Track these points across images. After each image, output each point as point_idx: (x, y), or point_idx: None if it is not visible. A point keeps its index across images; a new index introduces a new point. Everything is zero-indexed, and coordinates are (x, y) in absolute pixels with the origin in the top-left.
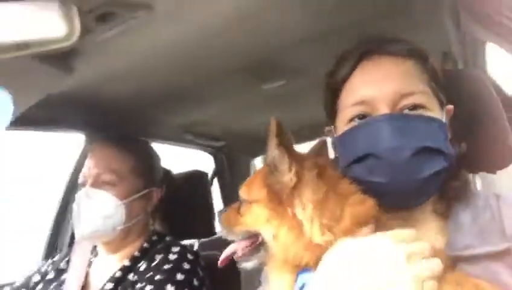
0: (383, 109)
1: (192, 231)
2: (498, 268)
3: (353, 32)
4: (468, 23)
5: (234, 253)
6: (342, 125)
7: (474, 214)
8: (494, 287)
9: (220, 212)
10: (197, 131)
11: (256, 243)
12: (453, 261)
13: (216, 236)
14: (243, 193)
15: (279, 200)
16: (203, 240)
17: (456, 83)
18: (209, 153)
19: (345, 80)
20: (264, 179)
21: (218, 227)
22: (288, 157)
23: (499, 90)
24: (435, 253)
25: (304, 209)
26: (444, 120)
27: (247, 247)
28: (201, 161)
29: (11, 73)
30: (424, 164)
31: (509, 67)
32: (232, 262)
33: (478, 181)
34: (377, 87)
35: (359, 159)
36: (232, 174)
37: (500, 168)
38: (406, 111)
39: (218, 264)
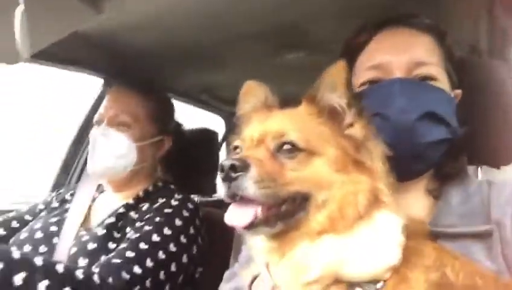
0: (397, 75)
1: (195, 186)
2: (475, 248)
3: (382, 14)
4: (500, 15)
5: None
6: (354, 89)
7: (465, 197)
8: (467, 259)
9: (231, 164)
10: (213, 93)
11: (282, 208)
12: (435, 237)
13: (215, 197)
14: (298, 139)
15: (352, 153)
16: (201, 199)
17: (477, 72)
18: (222, 117)
19: (363, 45)
20: (328, 126)
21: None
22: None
23: None
24: (415, 223)
25: (377, 163)
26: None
27: (270, 210)
28: (214, 125)
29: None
30: (428, 129)
31: None
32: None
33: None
34: (393, 53)
35: None
36: None
37: (504, 163)
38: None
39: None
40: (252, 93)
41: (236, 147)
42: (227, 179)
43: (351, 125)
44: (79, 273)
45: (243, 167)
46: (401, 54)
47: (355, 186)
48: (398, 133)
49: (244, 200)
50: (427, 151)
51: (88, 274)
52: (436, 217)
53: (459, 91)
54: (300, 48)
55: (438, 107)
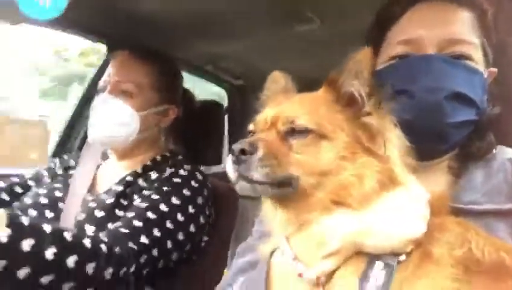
0: (429, 51)
1: (200, 156)
2: (498, 226)
3: None
4: None
5: None
6: (381, 63)
7: (488, 175)
8: (493, 237)
9: (241, 149)
10: (219, 64)
11: None
12: (456, 214)
13: (221, 168)
14: (308, 121)
15: (364, 142)
16: (207, 170)
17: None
18: (225, 89)
19: (396, 18)
20: (344, 113)
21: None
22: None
23: None
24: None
25: (392, 152)
26: (485, 76)
27: None
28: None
29: None
30: (456, 110)
31: None
32: (233, 194)
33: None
34: (427, 28)
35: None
36: (242, 115)
37: None
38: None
39: None
40: (275, 81)
41: (250, 132)
42: (236, 162)
43: (368, 114)
44: (87, 242)
45: (251, 150)
46: (436, 29)
47: (360, 170)
48: (423, 112)
49: None
50: (452, 132)
51: (95, 243)
52: (459, 194)
53: (494, 70)
54: (314, 20)
55: (468, 88)
